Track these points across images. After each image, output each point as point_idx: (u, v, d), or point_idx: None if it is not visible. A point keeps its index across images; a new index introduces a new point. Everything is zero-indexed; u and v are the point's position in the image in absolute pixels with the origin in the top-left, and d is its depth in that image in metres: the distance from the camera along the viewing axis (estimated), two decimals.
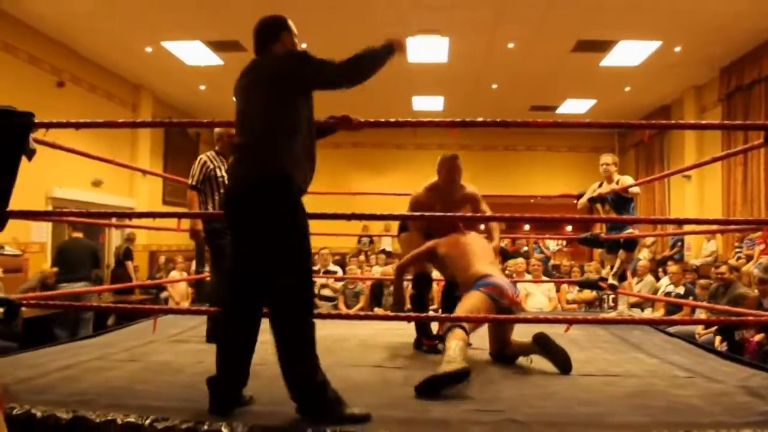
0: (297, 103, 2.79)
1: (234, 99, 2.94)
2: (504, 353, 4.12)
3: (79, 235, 7.54)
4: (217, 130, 5.22)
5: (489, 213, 4.97)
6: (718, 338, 6.19)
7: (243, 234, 2.79)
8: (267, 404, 2.86)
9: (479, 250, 4.21)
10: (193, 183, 5.07)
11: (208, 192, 5.03)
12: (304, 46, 10.95)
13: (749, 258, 8.59)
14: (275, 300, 2.72)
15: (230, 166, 2.83)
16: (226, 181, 4.59)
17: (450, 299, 4.61)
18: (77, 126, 3.54)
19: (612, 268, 6.25)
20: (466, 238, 4.34)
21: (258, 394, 2.93)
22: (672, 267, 8.17)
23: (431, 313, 5.37)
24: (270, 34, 3.02)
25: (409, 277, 5.02)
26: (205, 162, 5.12)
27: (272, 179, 2.68)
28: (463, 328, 3.49)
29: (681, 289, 7.69)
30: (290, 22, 3.07)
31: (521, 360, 4.05)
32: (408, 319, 4.33)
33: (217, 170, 5.04)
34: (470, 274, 3.98)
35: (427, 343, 4.54)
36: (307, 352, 2.70)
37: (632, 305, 7.67)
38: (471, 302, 3.74)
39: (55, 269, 7.23)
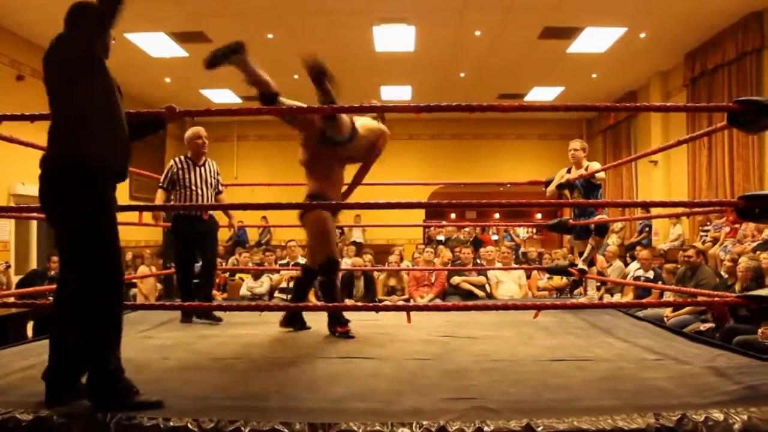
0: (83, 84, 2.72)
1: None
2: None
3: None
4: (186, 134, 5.71)
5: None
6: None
7: (49, 220, 2.79)
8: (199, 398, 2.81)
9: None
10: (160, 184, 5.62)
11: (175, 192, 5.56)
12: (270, 36, 10.75)
13: (715, 241, 8.72)
14: (67, 284, 2.75)
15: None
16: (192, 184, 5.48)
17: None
18: (32, 119, 3.43)
19: (581, 254, 6.28)
20: None
21: (223, 387, 2.88)
22: (642, 252, 8.24)
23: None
24: (71, 20, 2.88)
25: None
26: (171, 165, 5.61)
27: (65, 163, 2.67)
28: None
29: (650, 274, 7.76)
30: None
31: (487, 346, 4.06)
32: (377, 310, 4.30)
33: (181, 172, 5.53)
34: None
35: (341, 331, 4.52)
36: (97, 340, 2.68)
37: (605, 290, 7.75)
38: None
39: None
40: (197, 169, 5.60)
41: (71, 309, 2.71)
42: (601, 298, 7.03)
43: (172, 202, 5.64)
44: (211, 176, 5.68)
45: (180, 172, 5.54)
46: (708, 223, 9.47)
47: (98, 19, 2.72)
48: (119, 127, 2.84)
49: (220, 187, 5.83)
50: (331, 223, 4.57)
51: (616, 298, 7.77)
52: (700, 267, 6.74)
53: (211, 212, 5.77)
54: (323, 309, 4.69)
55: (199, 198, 5.52)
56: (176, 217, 5.61)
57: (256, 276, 8.34)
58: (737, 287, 5.87)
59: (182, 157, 5.66)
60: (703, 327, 6.09)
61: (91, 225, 2.70)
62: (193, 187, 5.54)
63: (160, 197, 5.60)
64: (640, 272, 7.81)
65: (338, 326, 4.55)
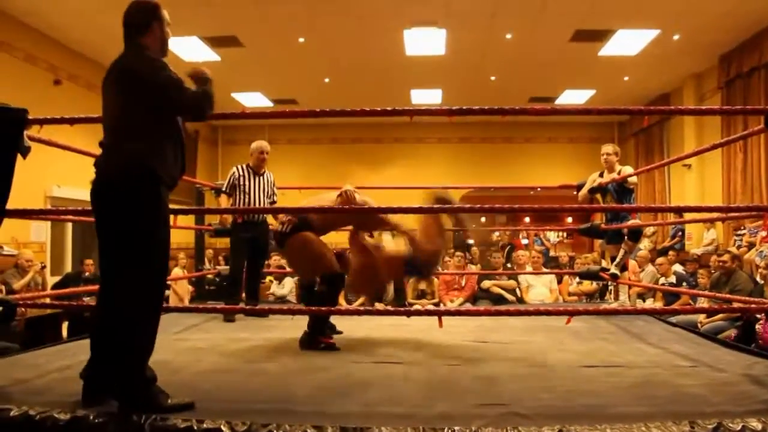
0: (151, 107, 2.79)
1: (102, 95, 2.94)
2: None
3: None
4: (252, 146, 6.21)
5: None
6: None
7: (100, 225, 2.80)
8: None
9: None
10: (223, 189, 6.12)
11: (235, 196, 6.03)
12: (301, 40, 10.75)
13: (751, 246, 8.57)
14: (116, 288, 2.75)
15: (96, 162, 2.86)
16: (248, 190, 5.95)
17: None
18: (71, 122, 3.51)
19: (613, 258, 6.23)
20: None
21: (255, 390, 2.90)
22: (659, 258, 8.17)
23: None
24: (139, 24, 2.89)
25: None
26: (233, 172, 6.10)
27: (135, 174, 2.72)
28: None
29: (672, 278, 7.66)
30: (163, 11, 2.95)
31: (518, 352, 4.04)
32: (408, 314, 4.29)
33: (242, 179, 6.02)
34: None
35: (326, 342, 4.32)
36: (137, 347, 2.71)
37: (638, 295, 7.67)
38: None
39: None
40: (257, 178, 6.10)
41: (122, 315, 2.73)
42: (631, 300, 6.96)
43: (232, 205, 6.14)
44: (268, 186, 6.19)
45: (241, 179, 6.03)
46: (742, 228, 9.31)
47: (191, 99, 2.88)
48: (182, 144, 2.95)
49: (275, 197, 6.34)
50: (318, 242, 4.42)
51: (649, 303, 7.69)
52: (735, 272, 6.63)
53: (265, 218, 6.24)
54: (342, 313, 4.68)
55: (256, 205, 6.04)
56: (235, 222, 6.10)
57: (279, 279, 8.44)
58: None
59: (244, 166, 6.14)
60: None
61: (153, 235, 2.77)
62: (252, 194, 6.03)
63: (224, 202, 6.12)
64: (663, 279, 7.73)
65: (322, 337, 4.35)
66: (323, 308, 4.23)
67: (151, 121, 2.78)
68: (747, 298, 5.01)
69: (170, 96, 2.80)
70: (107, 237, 2.79)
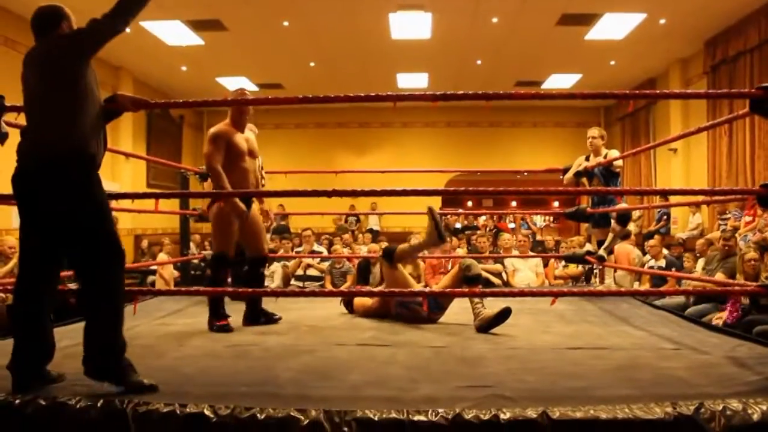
0: (78, 81, 2.80)
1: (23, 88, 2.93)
2: None
3: None
4: None
5: None
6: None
7: (34, 211, 2.78)
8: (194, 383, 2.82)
9: None
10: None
11: None
12: (286, 24, 10.65)
13: (735, 230, 8.62)
14: (83, 272, 2.78)
15: (18, 147, 2.81)
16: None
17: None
18: None
19: (600, 242, 6.24)
20: None
21: (238, 374, 2.88)
22: (650, 241, 8.19)
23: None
24: (49, 25, 2.97)
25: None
26: None
27: (62, 156, 2.71)
28: None
29: (662, 262, 7.70)
30: (68, 11, 3.04)
31: (504, 334, 4.05)
32: (392, 296, 4.28)
33: None
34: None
35: (219, 324, 4.40)
36: (112, 319, 2.75)
37: None
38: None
39: None
40: None
41: (93, 295, 2.76)
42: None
43: None
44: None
45: None
46: (727, 212, 9.37)
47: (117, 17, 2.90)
48: (101, 121, 2.96)
49: (263, 181, 6.11)
50: (231, 217, 4.51)
51: (634, 286, 7.72)
52: (733, 255, 6.68)
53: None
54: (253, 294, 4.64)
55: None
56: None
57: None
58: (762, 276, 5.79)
59: None
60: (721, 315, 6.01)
61: (101, 216, 2.78)
62: None
63: (208, 187, 5.94)
64: (652, 261, 7.76)
65: (215, 320, 4.42)
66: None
67: (77, 101, 2.77)
68: (731, 281, 5.05)
69: (90, 29, 2.84)
70: (45, 226, 2.76)
